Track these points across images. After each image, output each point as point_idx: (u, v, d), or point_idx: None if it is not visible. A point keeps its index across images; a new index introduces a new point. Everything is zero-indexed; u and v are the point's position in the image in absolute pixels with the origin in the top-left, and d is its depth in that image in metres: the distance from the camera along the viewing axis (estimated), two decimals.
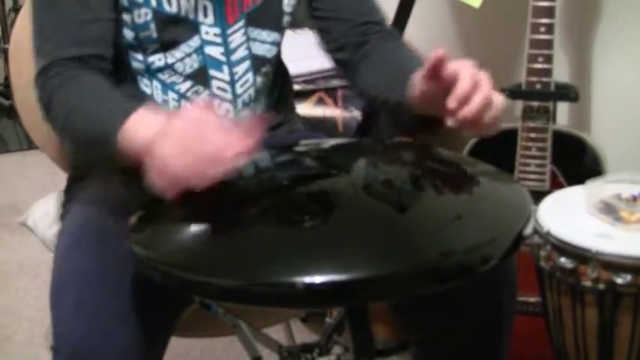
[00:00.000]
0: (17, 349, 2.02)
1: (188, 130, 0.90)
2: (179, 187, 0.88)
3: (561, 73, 1.66)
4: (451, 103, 0.93)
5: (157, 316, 1.00)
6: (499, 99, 0.95)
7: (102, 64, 1.08)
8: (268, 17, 1.18)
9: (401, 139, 2.04)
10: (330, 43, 1.24)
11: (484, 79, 0.95)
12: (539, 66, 1.51)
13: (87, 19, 1.07)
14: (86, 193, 1.15)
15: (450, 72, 0.95)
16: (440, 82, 0.96)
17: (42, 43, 1.07)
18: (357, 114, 1.80)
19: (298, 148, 1.15)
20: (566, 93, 1.57)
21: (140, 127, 0.94)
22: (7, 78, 3.60)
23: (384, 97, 1.14)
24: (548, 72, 1.52)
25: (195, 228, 0.87)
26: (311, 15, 1.23)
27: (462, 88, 0.93)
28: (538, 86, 1.53)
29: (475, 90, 0.93)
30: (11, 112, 3.62)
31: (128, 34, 1.11)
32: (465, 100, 0.92)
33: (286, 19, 1.20)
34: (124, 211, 0.93)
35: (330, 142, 1.18)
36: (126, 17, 1.10)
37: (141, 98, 1.14)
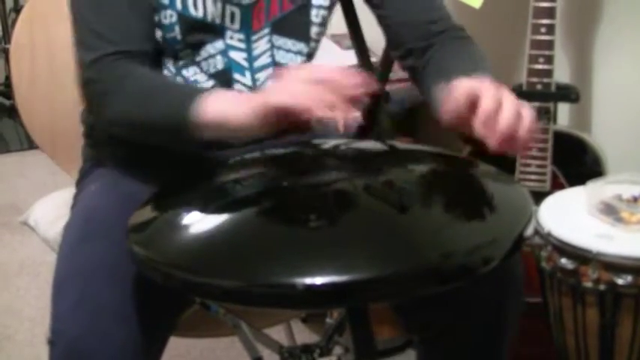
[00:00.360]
0: (18, 349, 2.02)
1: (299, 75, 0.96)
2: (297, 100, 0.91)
3: (562, 73, 1.66)
4: (479, 127, 0.90)
5: (156, 316, 1.00)
6: (527, 110, 0.92)
7: (147, 59, 1.10)
8: (295, 27, 1.18)
9: (401, 139, 2.04)
10: (397, 50, 1.22)
11: (506, 94, 0.92)
12: (539, 67, 1.51)
13: (133, 15, 1.08)
14: (92, 189, 1.15)
15: (470, 93, 0.92)
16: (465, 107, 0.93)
17: (88, 37, 1.09)
18: (357, 114, 1.80)
19: (298, 149, 1.15)
20: (567, 94, 1.57)
21: (219, 102, 0.98)
22: (7, 78, 3.60)
23: (434, 103, 1.10)
24: (548, 73, 1.51)
25: (195, 228, 0.87)
26: (379, 23, 1.22)
27: (484, 110, 0.90)
28: (539, 87, 1.53)
29: (499, 108, 0.90)
30: (12, 112, 3.62)
31: (157, 32, 1.12)
32: (491, 121, 0.90)
33: (315, 29, 1.19)
34: (129, 208, 0.93)
35: (330, 143, 1.18)
36: (156, 17, 1.11)
37: None
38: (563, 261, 1.24)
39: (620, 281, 1.19)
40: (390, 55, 1.23)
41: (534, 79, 1.52)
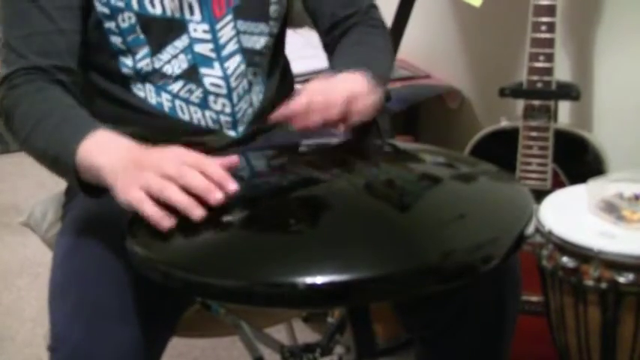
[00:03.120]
0: (19, 350, 2.02)
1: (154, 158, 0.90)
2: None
3: (563, 71, 1.66)
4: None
5: (157, 317, 1.00)
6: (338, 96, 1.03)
7: (65, 76, 1.07)
8: (254, 8, 1.18)
9: (402, 138, 2.04)
10: (321, 37, 1.26)
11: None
12: (540, 65, 1.51)
13: (50, 31, 1.07)
14: (83, 195, 1.15)
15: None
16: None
17: (7, 53, 1.07)
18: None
19: (299, 148, 1.15)
20: (568, 92, 1.56)
21: (97, 151, 0.93)
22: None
23: None
24: (549, 71, 1.51)
25: (195, 227, 0.87)
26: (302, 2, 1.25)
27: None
28: (539, 85, 1.52)
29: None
30: None
31: (116, 39, 1.11)
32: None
33: (273, 8, 1.20)
34: (123, 211, 0.93)
35: (330, 142, 1.18)
36: (109, 24, 1.10)
37: (135, 102, 1.14)
38: (565, 259, 1.24)
39: (621, 279, 1.19)
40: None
41: (535, 77, 1.52)
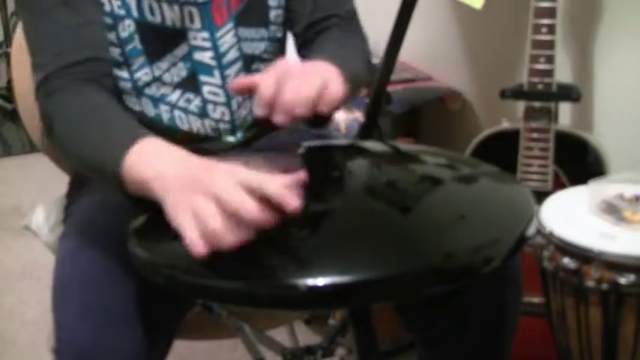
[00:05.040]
0: (20, 353, 2.02)
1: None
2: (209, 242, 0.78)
3: (563, 73, 1.66)
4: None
5: (159, 320, 1.00)
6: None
7: (101, 67, 1.06)
8: (255, 15, 1.18)
9: (403, 140, 2.04)
10: (295, 39, 1.24)
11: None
12: (541, 66, 1.51)
13: (79, 24, 1.05)
14: (88, 196, 1.15)
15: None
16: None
17: (39, 57, 1.05)
18: (359, 115, 1.80)
19: (300, 150, 1.15)
20: (569, 93, 1.57)
21: (143, 163, 0.88)
22: (9, 81, 3.61)
23: None
24: (550, 72, 1.52)
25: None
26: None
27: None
28: (540, 87, 1.53)
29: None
30: (14, 116, 3.63)
31: (114, 51, 1.10)
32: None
33: (274, 13, 1.19)
34: (126, 214, 0.93)
35: (332, 144, 1.18)
36: (110, 36, 1.09)
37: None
38: (566, 261, 1.24)
39: (622, 280, 1.19)
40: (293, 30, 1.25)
41: (535, 79, 1.53)
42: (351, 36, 1.21)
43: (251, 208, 0.77)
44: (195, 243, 0.78)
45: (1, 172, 3.36)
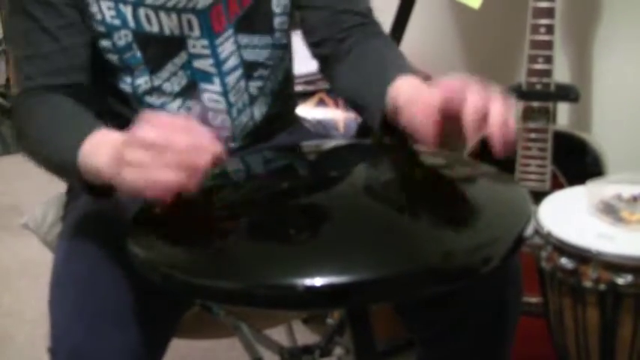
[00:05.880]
0: (19, 351, 2.02)
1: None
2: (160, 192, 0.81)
3: (561, 73, 1.66)
4: (468, 128, 0.85)
5: (156, 320, 1.00)
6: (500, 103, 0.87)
7: (72, 91, 1.06)
8: (258, 21, 1.16)
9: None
10: (310, 36, 1.19)
11: (492, 94, 0.88)
12: (539, 67, 1.51)
13: (54, 51, 1.06)
14: (84, 197, 1.15)
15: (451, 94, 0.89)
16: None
17: (17, 73, 1.08)
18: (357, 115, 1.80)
19: (298, 150, 1.15)
20: (567, 93, 1.57)
21: (93, 152, 0.91)
22: (8, 79, 3.61)
23: (362, 101, 1.08)
24: (548, 72, 1.52)
25: (195, 230, 0.87)
26: (293, 4, 1.18)
27: (475, 111, 0.85)
28: (538, 87, 1.53)
29: (488, 107, 0.86)
30: None
31: (112, 57, 1.10)
32: (482, 120, 0.85)
33: (278, 20, 1.17)
34: (124, 213, 0.93)
35: (330, 144, 1.18)
36: (106, 43, 1.09)
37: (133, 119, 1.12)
38: (563, 261, 1.24)
39: (620, 281, 1.19)
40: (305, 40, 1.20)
41: (534, 79, 1.53)
42: (384, 38, 1.18)
43: (184, 141, 0.80)
44: (151, 190, 0.81)
45: (0, 171, 3.36)
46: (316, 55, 1.20)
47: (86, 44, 1.08)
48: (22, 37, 1.07)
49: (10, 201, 2.92)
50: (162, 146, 0.80)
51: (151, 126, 0.82)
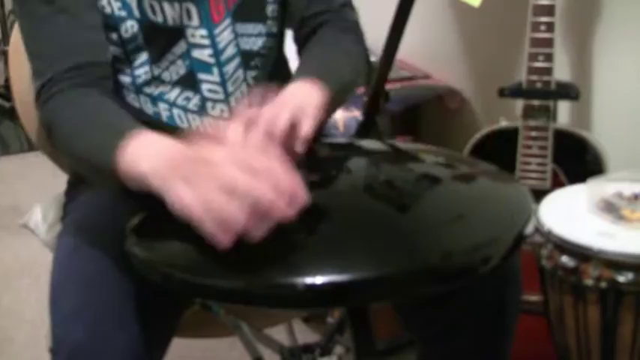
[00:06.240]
0: (19, 352, 2.02)
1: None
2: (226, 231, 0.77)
3: (562, 71, 1.66)
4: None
5: (156, 320, 1.00)
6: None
7: (100, 71, 1.06)
8: (252, 10, 1.17)
9: (401, 138, 2.04)
10: (291, 20, 1.22)
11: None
12: (539, 64, 1.51)
13: (77, 28, 1.05)
14: (86, 195, 1.15)
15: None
16: None
17: (37, 63, 1.05)
18: (357, 114, 1.80)
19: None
20: (567, 91, 1.57)
21: (139, 158, 0.87)
22: (7, 80, 3.61)
23: None
24: (548, 70, 1.51)
25: (195, 229, 0.87)
26: None
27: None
28: (539, 85, 1.53)
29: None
30: (12, 114, 3.62)
31: (116, 50, 1.10)
32: None
33: (270, 8, 1.18)
34: (124, 213, 0.93)
35: (330, 142, 1.18)
36: (112, 36, 1.09)
37: (130, 112, 1.08)
38: (564, 259, 1.24)
39: (621, 279, 1.19)
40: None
41: (534, 77, 1.52)
42: (341, 35, 1.19)
43: (267, 195, 0.77)
44: (216, 235, 0.77)
45: None
46: (294, 39, 1.23)
47: (103, 26, 1.07)
48: (42, 22, 1.04)
49: (10, 201, 2.92)
50: (244, 192, 0.77)
51: (232, 160, 0.79)
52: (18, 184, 3.11)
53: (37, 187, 2.85)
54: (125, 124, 0.95)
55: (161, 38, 1.11)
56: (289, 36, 1.27)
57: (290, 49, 1.31)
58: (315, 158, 1.11)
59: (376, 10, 1.33)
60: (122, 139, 0.89)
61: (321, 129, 1.01)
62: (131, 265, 0.85)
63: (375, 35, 1.43)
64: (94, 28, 1.07)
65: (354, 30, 1.22)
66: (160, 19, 1.10)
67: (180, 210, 0.80)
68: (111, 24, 1.08)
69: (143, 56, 1.11)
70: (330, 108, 1.03)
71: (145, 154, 0.87)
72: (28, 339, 2.06)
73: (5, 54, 3.59)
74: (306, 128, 0.95)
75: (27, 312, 2.19)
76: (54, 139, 1.02)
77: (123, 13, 1.08)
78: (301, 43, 1.21)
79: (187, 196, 0.79)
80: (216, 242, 0.77)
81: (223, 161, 0.80)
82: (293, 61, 1.34)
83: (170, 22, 1.11)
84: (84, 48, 1.05)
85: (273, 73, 1.23)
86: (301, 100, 0.98)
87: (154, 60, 1.12)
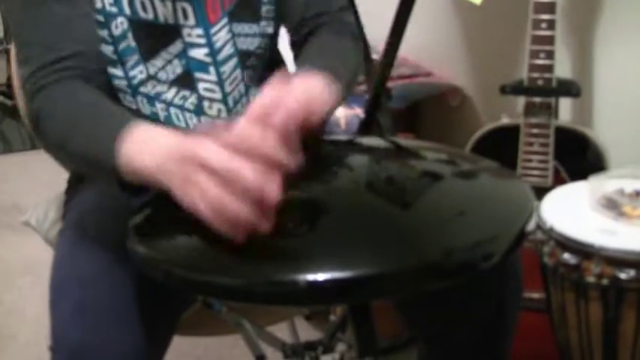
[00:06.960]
0: (20, 349, 2.02)
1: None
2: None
3: (563, 68, 1.66)
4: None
5: (158, 318, 1.00)
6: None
7: (91, 62, 1.04)
8: (248, 10, 1.16)
9: (403, 136, 2.04)
10: (288, 22, 1.21)
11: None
12: (540, 62, 1.51)
13: (71, 17, 1.04)
14: (86, 193, 1.15)
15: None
16: None
17: (26, 50, 1.04)
18: (359, 111, 1.80)
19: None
20: (568, 89, 1.57)
21: (139, 152, 0.87)
22: (9, 78, 3.61)
23: None
24: (549, 68, 1.51)
25: (197, 226, 0.87)
26: None
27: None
28: (540, 82, 1.53)
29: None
30: (14, 112, 3.63)
31: (107, 49, 1.09)
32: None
33: (265, 8, 1.18)
34: (124, 211, 0.93)
35: (332, 139, 1.18)
36: (102, 33, 1.08)
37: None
38: (566, 256, 1.24)
39: (622, 276, 1.19)
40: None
41: (535, 75, 1.52)
42: (339, 37, 1.19)
43: (250, 172, 0.78)
44: (229, 231, 0.79)
45: (1, 169, 3.36)
46: (290, 44, 1.23)
47: (95, 18, 1.07)
48: (36, 10, 1.03)
49: (12, 199, 2.92)
50: (229, 177, 0.78)
51: (215, 148, 0.80)
52: (20, 182, 3.12)
53: (38, 186, 2.85)
54: (125, 118, 0.95)
55: (152, 36, 1.10)
56: (285, 38, 1.27)
57: (288, 50, 1.30)
58: (316, 155, 1.11)
59: (378, 7, 1.33)
60: (123, 133, 0.89)
61: (323, 126, 1.01)
62: (132, 262, 0.85)
63: (377, 33, 1.43)
64: (86, 17, 1.06)
65: (351, 33, 1.22)
66: (150, 16, 1.09)
67: (188, 207, 0.81)
68: (101, 20, 1.08)
69: (135, 56, 1.10)
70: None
71: (148, 149, 0.87)
72: (29, 337, 2.06)
73: (8, 52, 3.59)
74: (320, 104, 0.94)
75: (28, 310, 2.19)
76: (40, 131, 1.00)
77: (114, 9, 1.07)
78: (298, 46, 1.21)
79: (191, 196, 0.81)
80: (233, 239, 0.79)
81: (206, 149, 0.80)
82: (290, 64, 1.34)
83: (162, 19, 1.10)
84: (75, 37, 1.04)
85: (269, 73, 1.23)
86: (309, 85, 0.97)
87: (148, 59, 1.11)
